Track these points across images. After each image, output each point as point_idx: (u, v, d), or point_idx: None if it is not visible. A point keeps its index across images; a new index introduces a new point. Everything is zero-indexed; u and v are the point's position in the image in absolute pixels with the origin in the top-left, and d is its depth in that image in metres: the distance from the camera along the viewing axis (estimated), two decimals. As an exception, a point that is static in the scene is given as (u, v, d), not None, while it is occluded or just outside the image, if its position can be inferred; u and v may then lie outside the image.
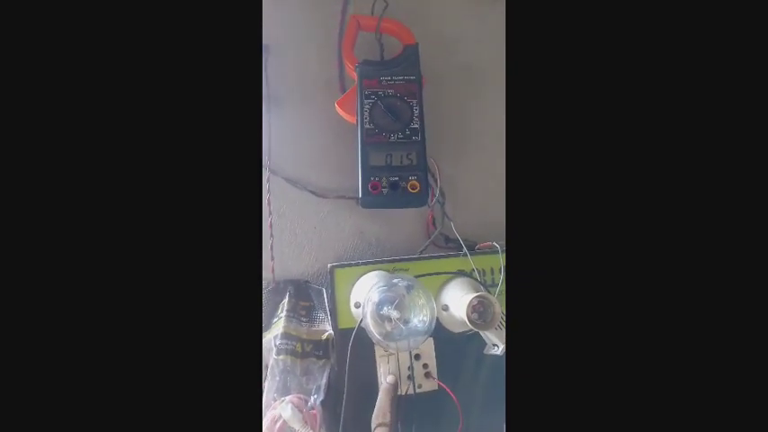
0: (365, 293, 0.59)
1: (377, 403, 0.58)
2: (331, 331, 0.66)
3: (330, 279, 0.69)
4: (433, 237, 0.76)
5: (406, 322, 0.56)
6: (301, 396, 0.62)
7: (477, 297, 0.57)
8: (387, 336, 0.56)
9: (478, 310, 0.58)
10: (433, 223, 0.77)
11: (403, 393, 0.62)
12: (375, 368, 0.65)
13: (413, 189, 0.66)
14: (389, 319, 0.56)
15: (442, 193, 0.76)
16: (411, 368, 0.64)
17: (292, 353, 0.64)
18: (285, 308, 0.68)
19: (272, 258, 0.72)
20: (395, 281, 0.59)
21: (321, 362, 0.65)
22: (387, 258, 0.71)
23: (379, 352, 0.65)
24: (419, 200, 0.67)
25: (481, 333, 0.61)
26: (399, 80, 0.70)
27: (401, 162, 0.67)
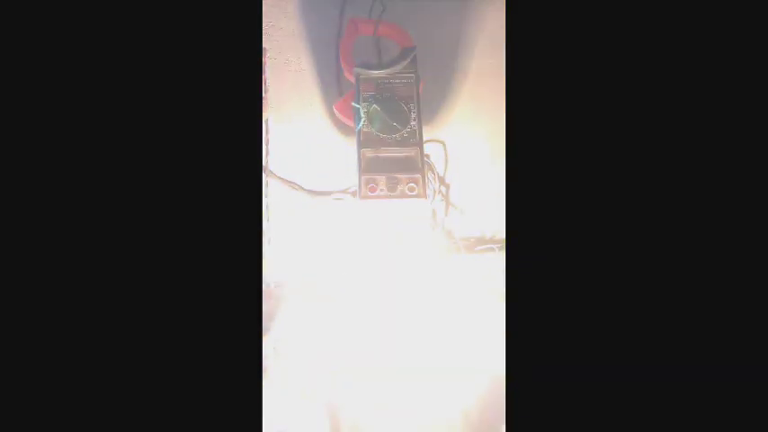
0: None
1: None
2: None
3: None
4: (432, 238, 0.76)
5: None
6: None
7: None
8: None
9: None
10: (433, 225, 0.77)
11: None
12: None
13: (411, 191, 0.66)
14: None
15: (440, 195, 0.76)
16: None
17: None
18: None
19: (271, 261, 0.72)
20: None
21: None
22: (386, 261, 0.72)
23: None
24: (417, 201, 0.67)
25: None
26: (397, 82, 0.70)
27: (399, 164, 0.67)
